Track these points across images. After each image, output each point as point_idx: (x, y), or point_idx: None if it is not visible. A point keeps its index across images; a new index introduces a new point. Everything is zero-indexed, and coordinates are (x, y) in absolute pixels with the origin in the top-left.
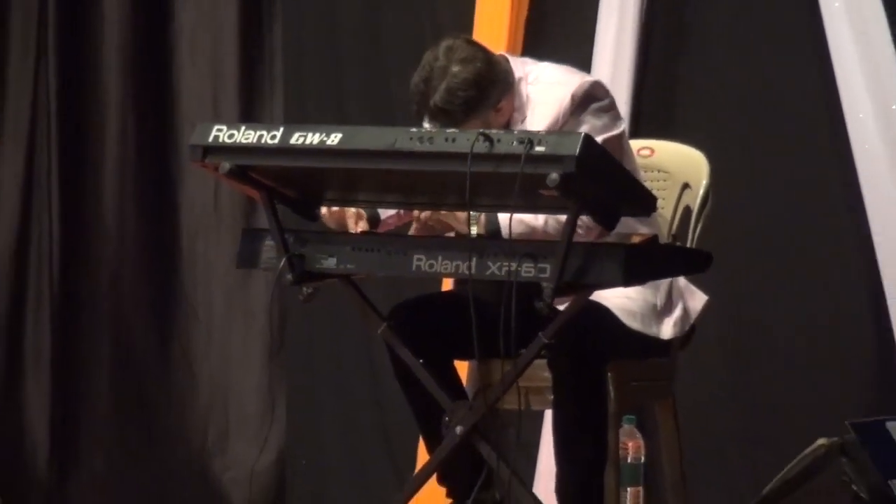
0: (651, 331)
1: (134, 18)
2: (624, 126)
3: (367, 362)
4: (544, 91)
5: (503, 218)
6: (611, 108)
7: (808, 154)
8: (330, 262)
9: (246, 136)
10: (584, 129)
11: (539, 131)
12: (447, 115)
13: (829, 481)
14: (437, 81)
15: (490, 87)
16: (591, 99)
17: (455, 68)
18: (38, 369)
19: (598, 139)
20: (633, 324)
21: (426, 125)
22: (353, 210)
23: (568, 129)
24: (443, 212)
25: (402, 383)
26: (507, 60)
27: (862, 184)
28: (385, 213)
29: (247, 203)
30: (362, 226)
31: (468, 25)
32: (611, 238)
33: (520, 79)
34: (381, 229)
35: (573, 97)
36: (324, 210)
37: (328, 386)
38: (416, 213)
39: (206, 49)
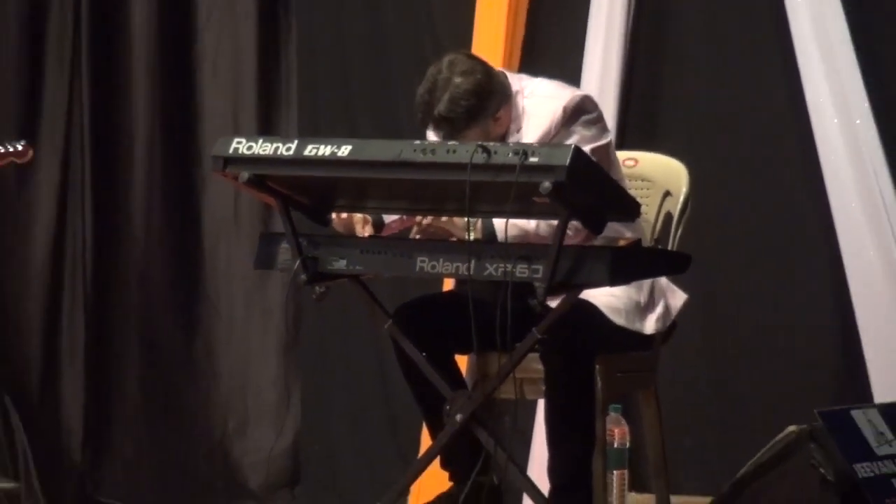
0: (635, 326)
1: (160, 39)
2: (611, 137)
3: (374, 356)
4: (538, 104)
5: (498, 223)
6: (598, 121)
7: (779, 164)
8: (340, 264)
9: (263, 148)
10: (574, 139)
11: (532, 143)
12: (450, 123)
13: (799, 465)
14: (440, 92)
15: (489, 96)
16: (581, 112)
17: (457, 80)
18: (73, 363)
19: (587, 148)
20: (619, 320)
21: (430, 134)
22: (359, 216)
23: (559, 139)
24: (443, 218)
25: (407, 375)
26: (506, 76)
27: (828, 189)
28: (389, 217)
29: (264, 209)
30: (368, 230)
31: (467, 44)
32: (598, 241)
33: (516, 92)
34: (385, 232)
35: (565, 109)
36: (333, 216)
37: (339, 378)
38: (418, 218)
39: (226, 67)
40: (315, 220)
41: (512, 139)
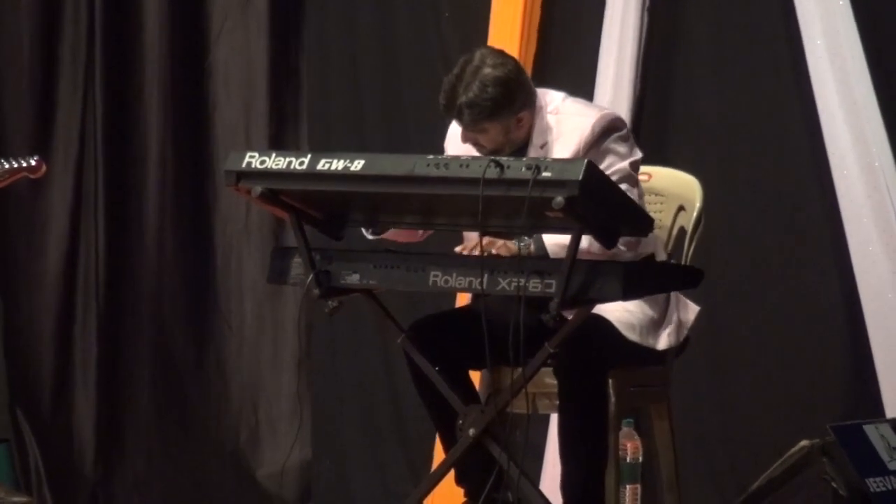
0: (648, 342)
1: (173, 53)
2: (641, 154)
3: (386, 370)
4: (566, 121)
5: (549, 242)
6: (629, 138)
7: (791, 179)
8: (354, 278)
9: (276, 162)
10: (611, 158)
11: (545, 158)
12: (474, 111)
13: (811, 480)
14: (469, 78)
15: (518, 90)
16: (612, 129)
17: (486, 70)
18: (86, 376)
19: (625, 163)
20: (632, 336)
21: (451, 131)
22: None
23: (590, 157)
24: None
25: (420, 389)
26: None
27: (840, 204)
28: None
29: (275, 222)
30: None
31: None
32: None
33: (541, 107)
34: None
35: (593, 128)
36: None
37: (351, 391)
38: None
39: (238, 82)
40: (328, 235)
41: (535, 154)
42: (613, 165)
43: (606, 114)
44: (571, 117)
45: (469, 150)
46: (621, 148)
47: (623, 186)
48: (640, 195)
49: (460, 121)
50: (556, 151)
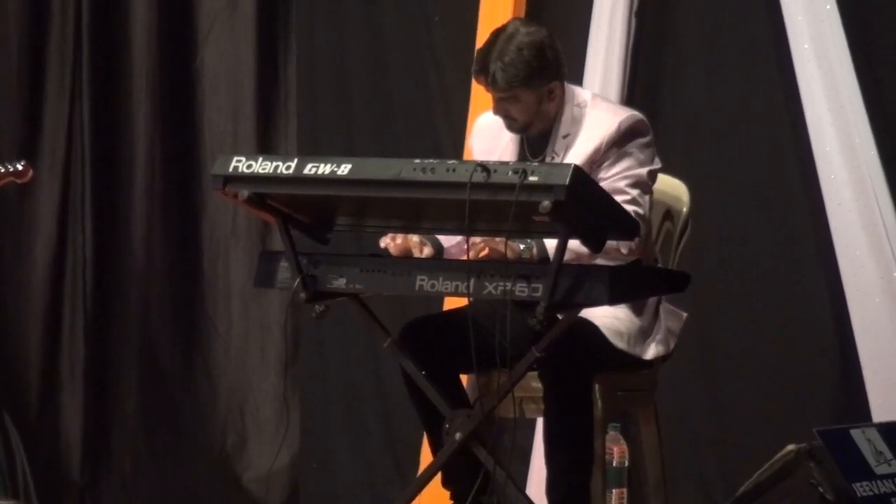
0: (635, 351)
1: (160, 56)
2: (660, 164)
3: (373, 373)
4: (592, 116)
5: (550, 245)
6: (651, 145)
7: (778, 183)
8: (340, 282)
9: (263, 166)
10: (628, 161)
11: (532, 163)
12: (507, 74)
13: (798, 484)
14: (502, 45)
15: (552, 55)
16: (637, 133)
17: (520, 37)
18: (73, 379)
19: (642, 170)
20: (619, 343)
21: (476, 127)
22: (416, 239)
23: (611, 156)
24: (498, 240)
25: (410, 390)
26: None
27: (827, 208)
28: (448, 241)
29: (262, 226)
30: (427, 252)
31: (468, 64)
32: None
33: (567, 100)
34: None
35: (619, 126)
36: (389, 242)
37: (337, 394)
38: (473, 240)
39: (226, 85)
40: (315, 239)
41: (558, 145)
42: (630, 169)
43: (634, 115)
44: (600, 113)
45: (497, 146)
46: (641, 154)
47: (635, 192)
48: (651, 204)
49: (494, 87)
50: (579, 144)
